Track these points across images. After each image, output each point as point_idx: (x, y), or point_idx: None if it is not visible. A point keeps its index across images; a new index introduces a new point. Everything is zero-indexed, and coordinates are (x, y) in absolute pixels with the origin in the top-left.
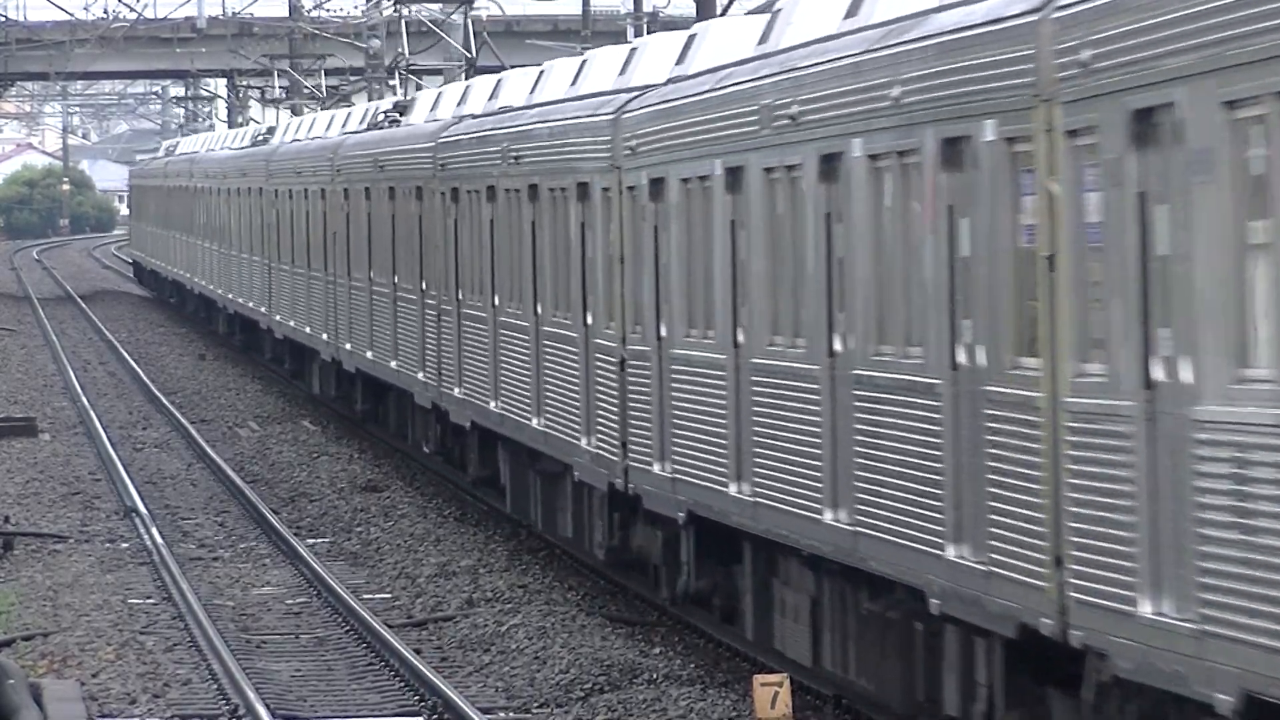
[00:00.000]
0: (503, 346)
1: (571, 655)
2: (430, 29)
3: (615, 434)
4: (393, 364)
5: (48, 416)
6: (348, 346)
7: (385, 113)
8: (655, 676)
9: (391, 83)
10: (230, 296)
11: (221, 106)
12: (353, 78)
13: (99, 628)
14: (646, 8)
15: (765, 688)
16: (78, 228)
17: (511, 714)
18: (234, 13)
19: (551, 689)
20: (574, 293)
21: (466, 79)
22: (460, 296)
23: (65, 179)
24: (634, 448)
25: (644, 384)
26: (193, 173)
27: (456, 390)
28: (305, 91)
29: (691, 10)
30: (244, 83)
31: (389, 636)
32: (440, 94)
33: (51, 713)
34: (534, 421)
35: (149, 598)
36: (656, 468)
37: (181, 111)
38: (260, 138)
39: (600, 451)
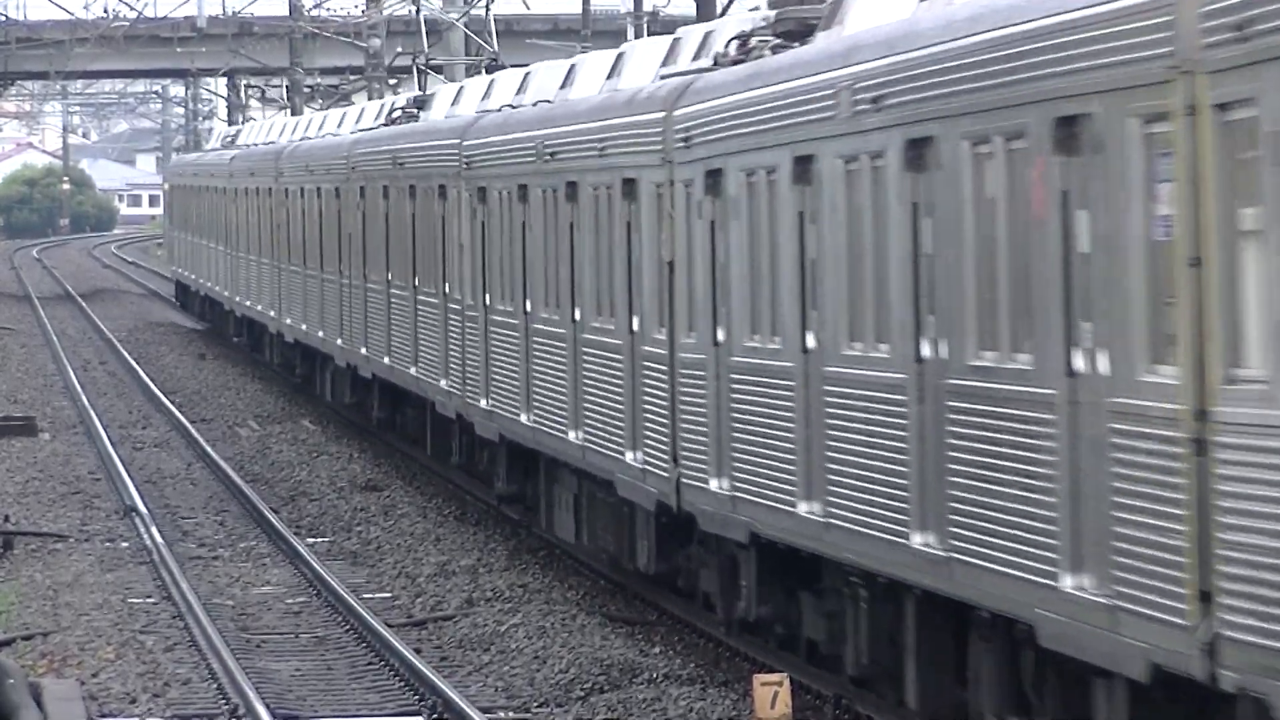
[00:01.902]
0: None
1: (571, 655)
2: (434, 27)
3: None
4: (828, 517)
5: (47, 416)
6: (696, 475)
7: (762, 30)
8: (655, 676)
9: (391, 82)
10: (363, 352)
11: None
12: (352, 77)
13: (99, 627)
14: (647, 7)
15: (765, 687)
16: (77, 227)
17: (511, 713)
18: (234, 12)
19: (551, 688)
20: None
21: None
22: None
23: (65, 178)
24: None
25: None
26: (281, 169)
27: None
28: (305, 90)
29: (691, 9)
30: (244, 81)
31: (389, 636)
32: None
33: (51, 712)
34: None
35: (149, 597)
36: (482, 403)
37: (182, 110)
38: (397, 114)
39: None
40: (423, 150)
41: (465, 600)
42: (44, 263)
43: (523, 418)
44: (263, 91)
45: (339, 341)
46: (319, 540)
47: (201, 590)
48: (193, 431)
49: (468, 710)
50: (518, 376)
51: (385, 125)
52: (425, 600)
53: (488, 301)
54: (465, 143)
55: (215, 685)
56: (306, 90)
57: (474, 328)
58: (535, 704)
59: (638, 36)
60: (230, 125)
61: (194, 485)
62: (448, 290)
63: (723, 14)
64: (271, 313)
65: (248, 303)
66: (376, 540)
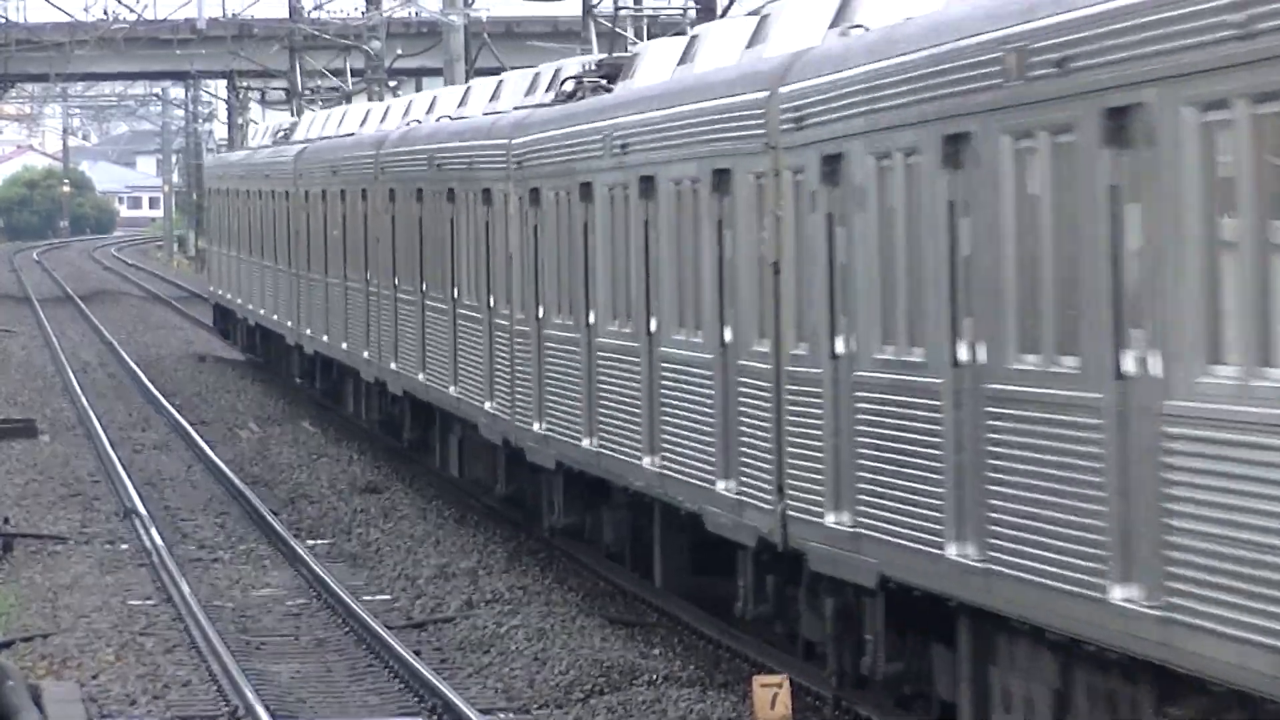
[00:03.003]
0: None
1: (571, 656)
2: (429, 30)
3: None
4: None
5: (47, 418)
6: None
7: None
8: (655, 678)
9: (391, 84)
10: (550, 428)
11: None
12: (352, 78)
13: (99, 629)
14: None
15: (765, 689)
16: (77, 229)
17: (511, 715)
18: (234, 14)
19: (551, 690)
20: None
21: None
22: None
23: (65, 180)
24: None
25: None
26: (382, 166)
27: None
28: (305, 92)
29: (691, 10)
30: (244, 84)
31: (389, 638)
32: None
33: (51, 714)
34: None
35: (149, 599)
36: (724, 485)
37: (181, 113)
38: (569, 84)
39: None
40: (676, 129)
41: (465, 602)
42: (44, 265)
43: (828, 519)
44: (262, 93)
45: (487, 406)
46: (319, 542)
47: (201, 592)
48: (192, 434)
49: (467, 712)
50: (827, 457)
51: (558, 103)
52: (425, 602)
53: (781, 348)
54: (785, 89)
55: (215, 687)
56: (305, 92)
57: (760, 384)
58: (535, 705)
59: (638, 36)
60: (229, 129)
61: (194, 487)
62: (693, 331)
63: (723, 14)
64: (365, 354)
65: (324, 339)
66: (376, 542)
